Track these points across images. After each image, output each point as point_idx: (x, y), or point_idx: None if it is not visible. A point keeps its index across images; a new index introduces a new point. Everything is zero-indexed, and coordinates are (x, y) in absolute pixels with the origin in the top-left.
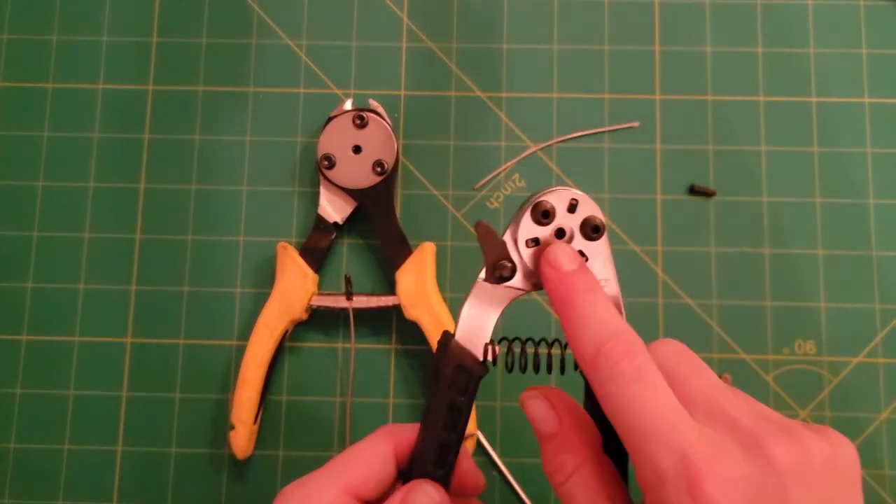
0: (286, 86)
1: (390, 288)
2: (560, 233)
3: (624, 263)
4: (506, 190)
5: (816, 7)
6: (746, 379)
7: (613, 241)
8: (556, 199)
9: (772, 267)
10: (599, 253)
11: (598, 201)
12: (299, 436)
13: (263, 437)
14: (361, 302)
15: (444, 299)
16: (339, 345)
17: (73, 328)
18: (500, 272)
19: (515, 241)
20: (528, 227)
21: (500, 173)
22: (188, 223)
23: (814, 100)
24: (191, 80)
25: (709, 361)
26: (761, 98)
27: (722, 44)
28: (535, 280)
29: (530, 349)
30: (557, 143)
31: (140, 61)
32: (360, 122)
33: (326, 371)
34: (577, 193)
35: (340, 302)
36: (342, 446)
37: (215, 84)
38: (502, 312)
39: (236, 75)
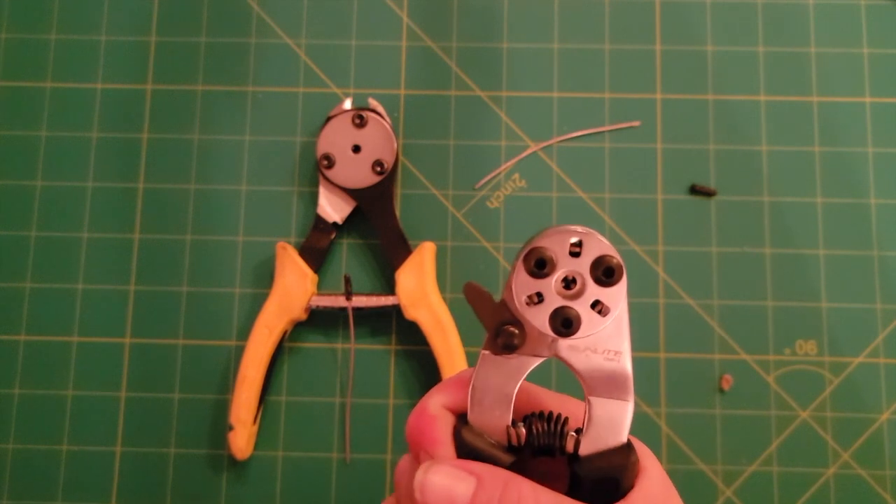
0: (285, 85)
1: (390, 288)
2: (568, 283)
3: (624, 263)
4: (506, 190)
5: (817, 6)
6: (747, 380)
7: (615, 241)
8: (553, 242)
9: (773, 267)
10: (617, 301)
11: (599, 201)
12: (299, 436)
13: (263, 437)
14: (361, 302)
15: (444, 299)
16: (339, 345)
17: (71, 328)
18: (505, 340)
19: (515, 301)
20: (526, 283)
21: (500, 173)
22: (187, 223)
23: (815, 99)
24: (190, 79)
25: (709, 362)
26: (762, 97)
27: (723, 43)
28: (550, 344)
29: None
30: (558, 142)
31: (139, 61)
32: (360, 122)
33: (326, 371)
34: (577, 230)
35: (340, 302)
36: (342, 447)
37: (214, 83)
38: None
39: (235, 75)
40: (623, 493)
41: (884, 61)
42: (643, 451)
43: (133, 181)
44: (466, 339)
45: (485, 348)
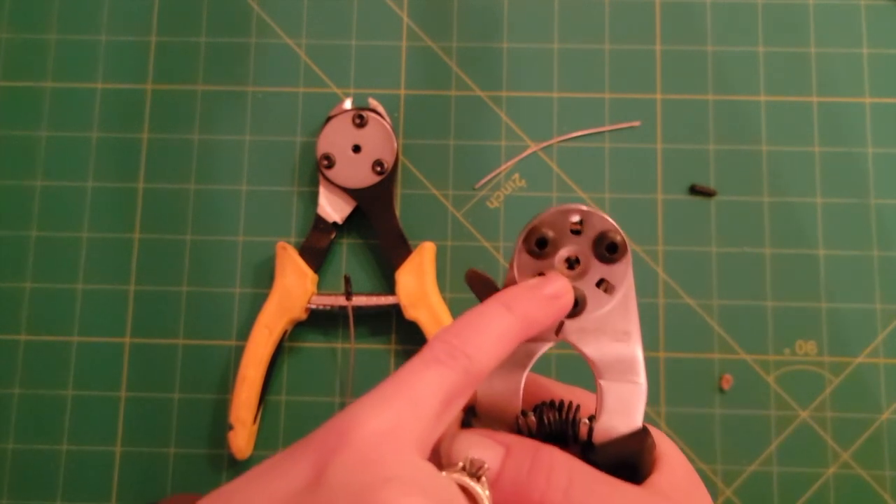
0: (285, 85)
1: (390, 288)
2: (572, 263)
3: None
4: (506, 189)
5: (817, 6)
6: (747, 380)
7: None
8: (554, 221)
9: (773, 267)
10: (623, 277)
11: (599, 201)
12: (298, 436)
13: (263, 437)
14: (361, 302)
15: (444, 299)
16: (339, 345)
17: (71, 328)
18: None
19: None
20: (527, 263)
21: (500, 173)
22: (187, 223)
23: (815, 99)
24: (190, 79)
25: (709, 362)
26: (762, 98)
27: (723, 43)
28: (558, 326)
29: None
30: (558, 142)
31: (139, 60)
32: (360, 122)
33: (326, 371)
34: (579, 209)
35: (340, 302)
36: None
37: (214, 83)
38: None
39: (235, 74)
40: (641, 478)
41: (884, 61)
42: (661, 438)
43: (133, 181)
44: None
45: None
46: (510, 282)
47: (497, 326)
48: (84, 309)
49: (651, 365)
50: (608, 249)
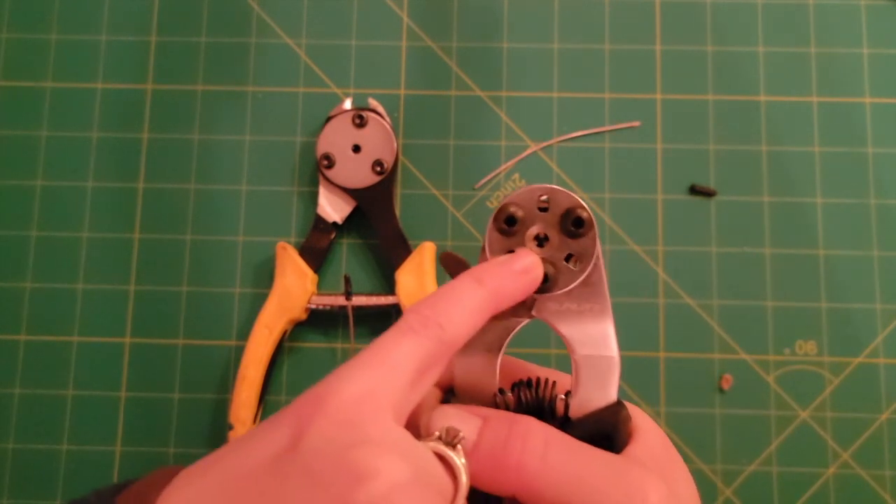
0: (285, 85)
1: (390, 288)
2: (540, 238)
3: (624, 263)
4: (506, 190)
5: (817, 6)
6: (747, 380)
7: (615, 241)
8: (522, 200)
9: (773, 267)
10: (591, 251)
11: (599, 201)
12: None
13: None
14: (361, 302)
15: None
16: (339, 345)
17: (71, 328)
18: None
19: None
20: (498, 241)
21: (500, 173)
22: (187, 223)
23: (815, 99)
24: (190, 79)
25: (709, 362)
26: (762, 98)
27: (723, 43)
28: (530, 305)
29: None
30: (558, 142)
31: (139, 60)
32: (360, 122)
33: (326, 371)
34: (545, 188)
35: (340, 302)
36: None
37: (214, 83)
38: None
39: (235, 75)
40: (618, 450)
41: (884, 61)
42: (636, 412)
43: (133, 181)
44: None
45: None
46: (482, 260)
47: (469, 298)
48: (84, 309)
49: (651, 365)
50: (574, 224)
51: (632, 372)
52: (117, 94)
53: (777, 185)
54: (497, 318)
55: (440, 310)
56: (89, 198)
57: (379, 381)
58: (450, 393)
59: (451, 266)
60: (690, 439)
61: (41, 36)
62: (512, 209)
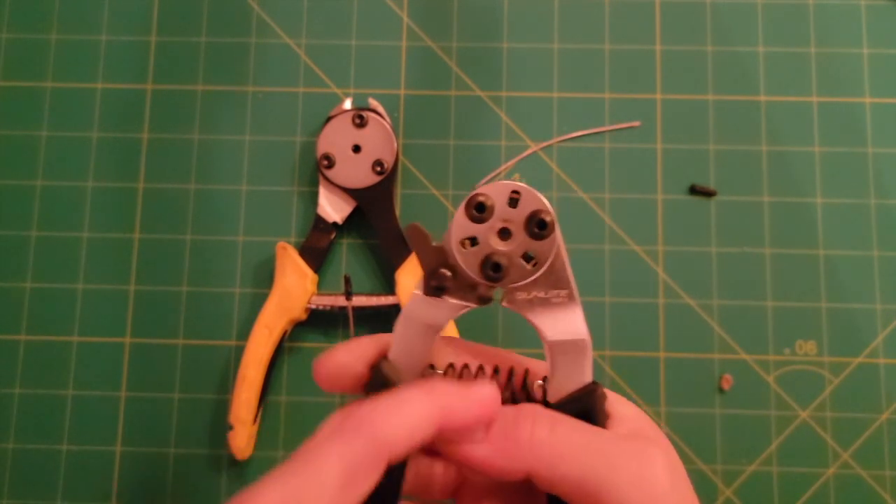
0: (285, 85)
1: (390, 288)
2: (504, 233)
3: (624, 263)
4: None
5: (817, 6)
6: (747, 380)
7: (615, 241)
8: (495, 191)
9: (773, 267)
10: (548, 254)
11: (599, 201)
12: (299, 436)
13: (263, 437)
14: (361, 302)
15: None
16: None
17: (71, 328)
18: (437, 282)
19: (451, 243)
20: (464, 225)
21: (500, 173)
22: (187, 223)
23: (815, 99)
24: (190, 79)
25: (709, 362)
26: (762, 98)
27: (723, 43)
28: (481, 293)
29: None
30: (558, 142)
31: (139, 61)
32: (360, 122)
33: None
34: (519, 185)
35: (340, 302)
36: None
37: (214, 83)
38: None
39: (235, 75)
40: (600, 426)
41: (884, 61)
42: (616, 397)
43: (133, 181)
44: (466, 339)
45: (417, 289)
46: (446, 240)
47: (413, 407)
48: (84, 309)
49: (651, 365)
50: (538, 226)
51: (632, 372)
52: (117, 94)
53: (777, 185)
54: (446, 296)
55: (379, 412)
56: (89, 198)
57: (302, 488)
58: (383, 360)
59: (414, 238)
60: (690, 439)
61: (41, 36)
62: (483, 198)
